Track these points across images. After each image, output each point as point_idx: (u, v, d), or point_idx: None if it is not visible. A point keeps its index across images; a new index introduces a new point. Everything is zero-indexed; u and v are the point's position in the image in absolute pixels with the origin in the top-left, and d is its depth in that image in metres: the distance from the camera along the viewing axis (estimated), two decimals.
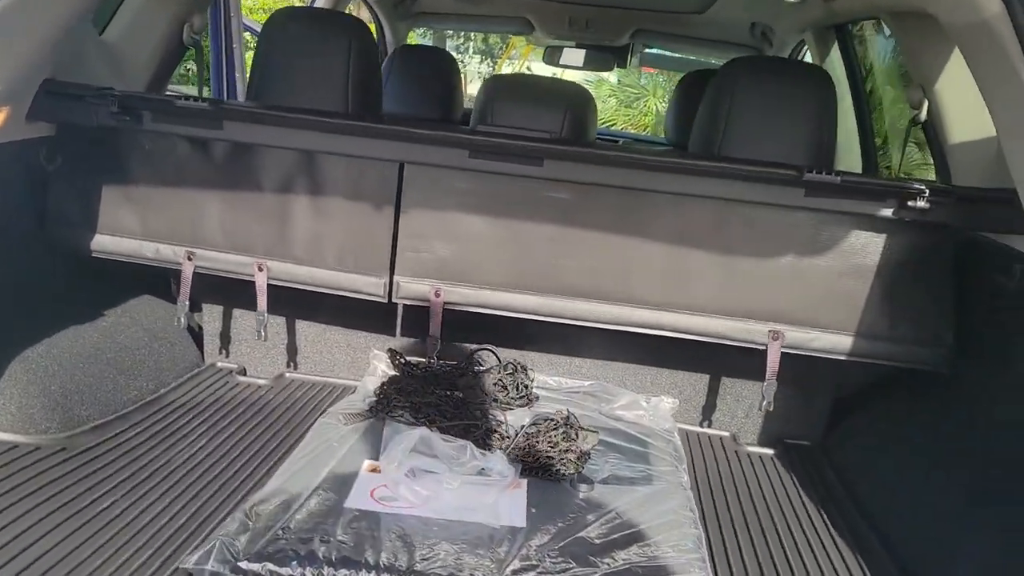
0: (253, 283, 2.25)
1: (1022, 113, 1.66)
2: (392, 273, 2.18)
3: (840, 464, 2.36)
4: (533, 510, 1.84)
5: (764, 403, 2.17)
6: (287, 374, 2.64)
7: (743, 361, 2.44)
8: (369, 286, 2.20)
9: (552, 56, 4.98)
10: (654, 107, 15.81)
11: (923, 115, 2.48)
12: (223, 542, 1.58)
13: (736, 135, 2.22)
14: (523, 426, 2.19)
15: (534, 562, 1.63)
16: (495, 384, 2.38)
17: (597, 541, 1.75)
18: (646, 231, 2.09)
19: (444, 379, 2.39)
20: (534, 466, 1.99)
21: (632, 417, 2.42)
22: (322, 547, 1.61)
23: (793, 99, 2.22)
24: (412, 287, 2.18)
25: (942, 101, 2.42)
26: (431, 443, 1.87)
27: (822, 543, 1.96)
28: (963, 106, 2.39)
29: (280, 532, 1.64)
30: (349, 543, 1.63)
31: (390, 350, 2.51)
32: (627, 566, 1.67)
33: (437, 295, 2.16)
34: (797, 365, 2.25)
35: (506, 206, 2.12)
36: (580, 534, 1.76)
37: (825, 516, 2.07)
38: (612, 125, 14.66)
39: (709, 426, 2.56)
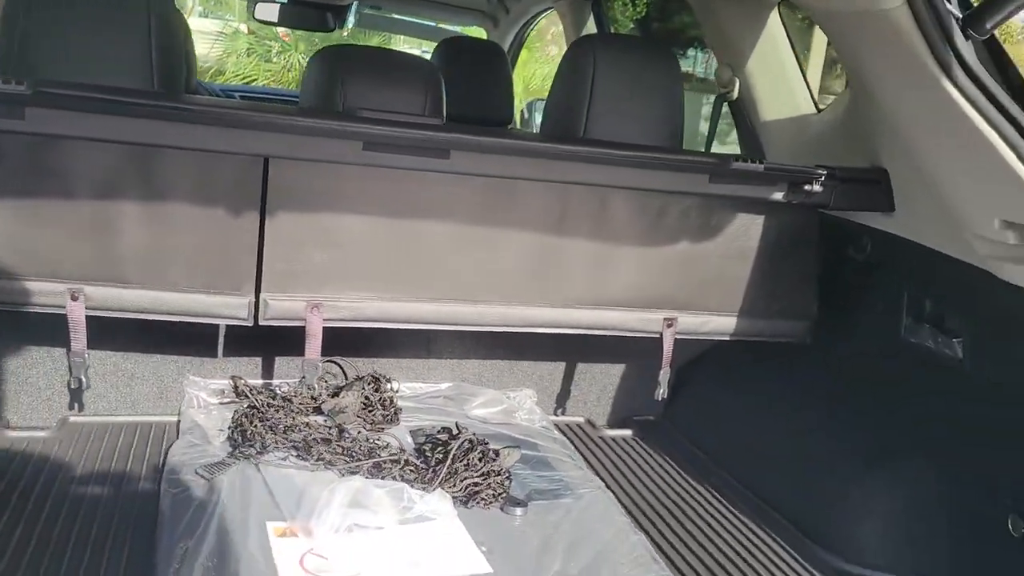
0: (53, 315, 1.72)
1: (910, 103, 1.78)
2: (259, 291, 1.79)
3: (692, 433, 2.44)
4: (483, 549, 1.65)
5: (660, 391, 2.17)
6: (72, 419, 2.10)
7: (596, 344, 2.41)
8: (230, 308, 1.79)
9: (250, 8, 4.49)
10: (297, 61, 15.39)
11: (734, 94, 2.60)
12: None
13: (600, 117, 2.13)
14: (418, 448, 1.96)
15: None
16: (363, 403, 2.10)
17: (576, 570, 1.61)
18: (559, 226, 1.94)
19: (301, 404, 2.05)
20: (459, 496, 1.78)
21: (502, 417, 2.29)
22: None
23: (653, 78, 2.19)
24: (283, 305, 1.81)
25: (753, 81, 2.55)
26: (368, 493, 1.58)
27: (733, 525, 2.01)
28: (773, 86, 2.55)
29: None
30: None
31: (233, 377, 2.11)
32: None
33: (315, 312, 1.82)
34: (642, 343, 2.26)
35: (396, 204, 1.83)
36: (556, 568, 1.61)
37: (718, 494, 2.12)
38: (254, 81, 13.87)
39: (564, 413, 2.51)
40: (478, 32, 4.95)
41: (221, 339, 2.19)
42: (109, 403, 2.16)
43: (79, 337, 1.72)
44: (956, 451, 1.79)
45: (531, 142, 1.89)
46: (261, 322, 1.82)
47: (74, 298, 1.70)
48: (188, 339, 2.17)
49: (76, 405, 2.13)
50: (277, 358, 2.25)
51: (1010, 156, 1.53)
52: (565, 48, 2.57)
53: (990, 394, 1.71)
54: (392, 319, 1.91)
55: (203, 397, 2.17)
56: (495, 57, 3.56)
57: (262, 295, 1.80)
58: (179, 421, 2.13)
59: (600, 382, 2.52)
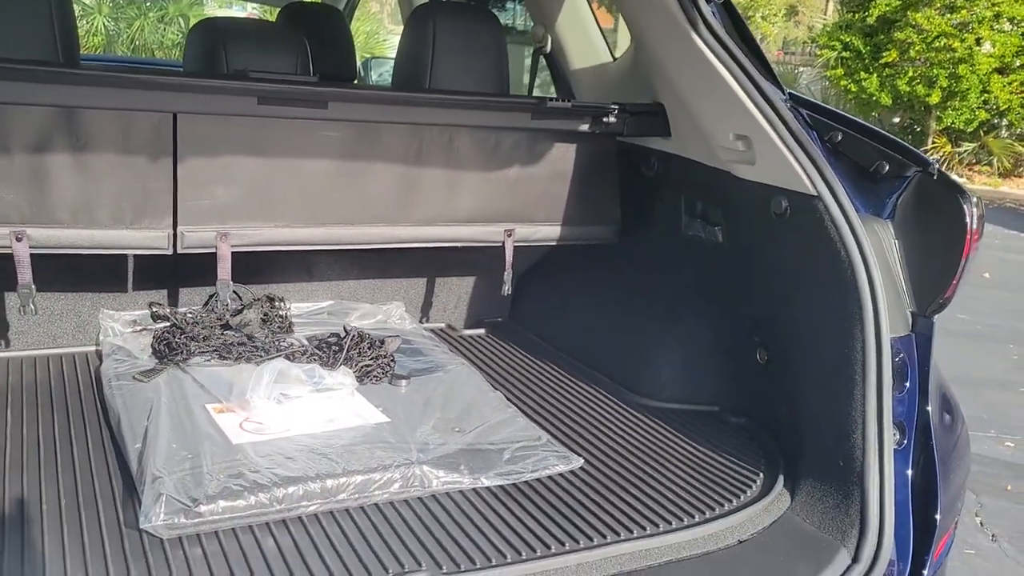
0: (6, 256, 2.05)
1: (673, 53, 2.37)
2: (176, 224, 2.18)
3: (533, 326, 3.01)
4: (380, 408, 2.15)
5: (505, 288, 2.70)
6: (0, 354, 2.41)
7: (451, 261, 2.93)
8: (152, 240, 2.16)
9: None
10: (102, 25, 14.99)
11: (548, 48, 3.15)
12: (167, 495, 1.63)
13: (441, 70, 2.62)
14: (316, 347, 2.41)
15: (431, 443, 1.97)
16: (262, 318, 2.52)
17: (453, 415, 2.14)
18: (417, 159, 2.41)
19: (209, 323, 2.46)
20: (356, 375, 2.26)
21: (377, 325, 2.77)
22: (255, 475, 1.74)
23: (482, 36, 2.69)
24: (197, 235, 2.20)
25: (562, 36, 3.11)
26: (288, 372, 2.03)
27: (567, 384, 2.59)
28: (577, 41, 3.11)
29: (209, 476, 1.72)
30: (276, 466, 1.78)
31: (151, 303, 2.48)
32: (486, 426, 2.10)
33: (223, 240, 2.22)
34: (487, 258, 2.80)
35: (284, 146, 2.25)
36: (438, 415, 2.13)
37: (556, 366, 2.70)
38: None
39: (428, 320, 3.02)
40: None
41: (130, 276, 2.55)
42: (32, 339, 2.47)
43: (24, 272, 2.06)
44: (723, 308, 2.44)
45: (392, 92, 2.36)
46: (179, 251, 2.20)
47: (18, 239, 2.03)
48: (101, 278, 2.51)
49: (2, 343, 2.43)
50: (180, 289, 2.63)
51: (737, 88, 2.14)
52: (383, 5, 2.97)
53: (741, 262, 2.35)
54: (286, 242, 2.33)
55: (117, 328, 2.52)
56: (335, 19, 3.94)
57: (179, 228, 2.18)
58: (99, 349, 2.48)
59: (456, 293, 3.04)
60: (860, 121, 2.14)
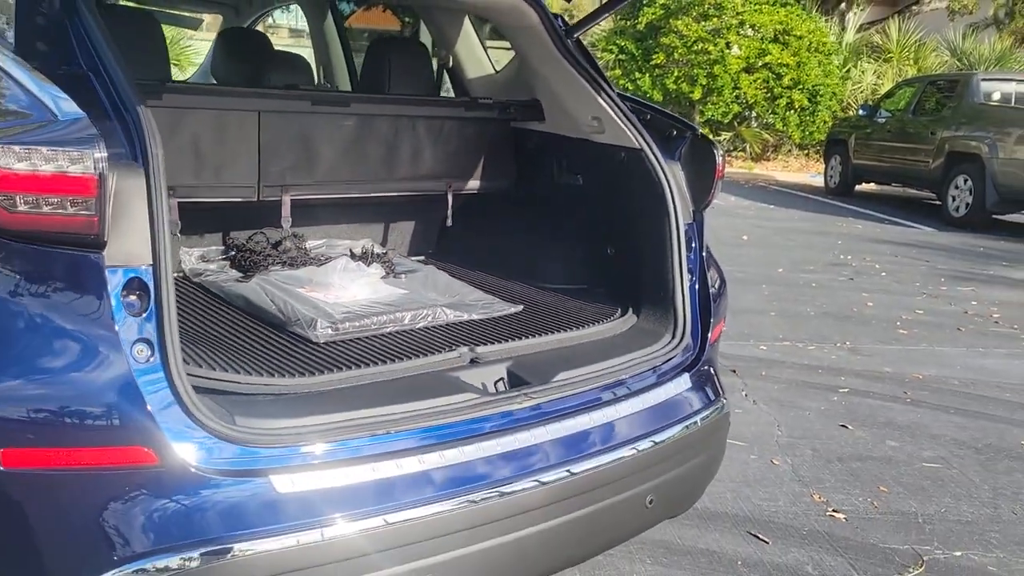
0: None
1: (547, 67, 3.89)
2: (259, 183, 3.44)
3: (459, 252, 4.45)
4: (396, 287, 3.54)
5: (448, 221, 4.12)
6: None
7: (398, 209, 4.33)
8: (245, 193, 3.42)
9: None
10: None
11: (449, 64, 4.62)
12: (320, 321, 2.96)
13: (396, 80, 4.02)
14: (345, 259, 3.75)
15: (438, 300, 3.39)
16: (298, 248, 3.82)
17: (441, 289, 3.57)
18: (394, 139, 3.79)
19: (267, 250, 3.73)
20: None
21: (363, 251, 4.12)
22: (358, 311, 3.10)
23: (422, 59, 4.12)
24: (270, 190, 3.48)
25: (459, 56, 4.58)
26: (348, 267, 3.38)
27: (491, 280, 4.05)
28: (470, 59, 4.59)
29: (333, 313, 3.06)
30: (370, 305, 3.14)
31: (225, 236, 3.71)
32: (461, 295, 3.54)
33: (286, 192, 3.51)
34: (427, 205, 4.22)
35: (320, 131, 3.57)
36: (432, 289, 3.55)
37: (480, 271, 4.16)
38: None
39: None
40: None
41: (197, 225, 3.74)
42: None
43: (174, 214, 3.25)
44: (585, 224, 4.00)
45: (384, 95, 3.76)
46: (261, 200, 3.47)
47: (171, 194, 3.23)
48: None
49: None
50: (231, 232, 3.86)
51: (591, 92, 3.69)
52: None
53: (596, 195, 3.92)
54: (320, 194, 3.65)
55: (193, 259, 3.72)
56: (265, 40, 5.19)
57: (260, 185, 3.46)
58: (181, 274, 3.68)
59: (401, 233, 4.43)
60: (658, 107, 3.78)
